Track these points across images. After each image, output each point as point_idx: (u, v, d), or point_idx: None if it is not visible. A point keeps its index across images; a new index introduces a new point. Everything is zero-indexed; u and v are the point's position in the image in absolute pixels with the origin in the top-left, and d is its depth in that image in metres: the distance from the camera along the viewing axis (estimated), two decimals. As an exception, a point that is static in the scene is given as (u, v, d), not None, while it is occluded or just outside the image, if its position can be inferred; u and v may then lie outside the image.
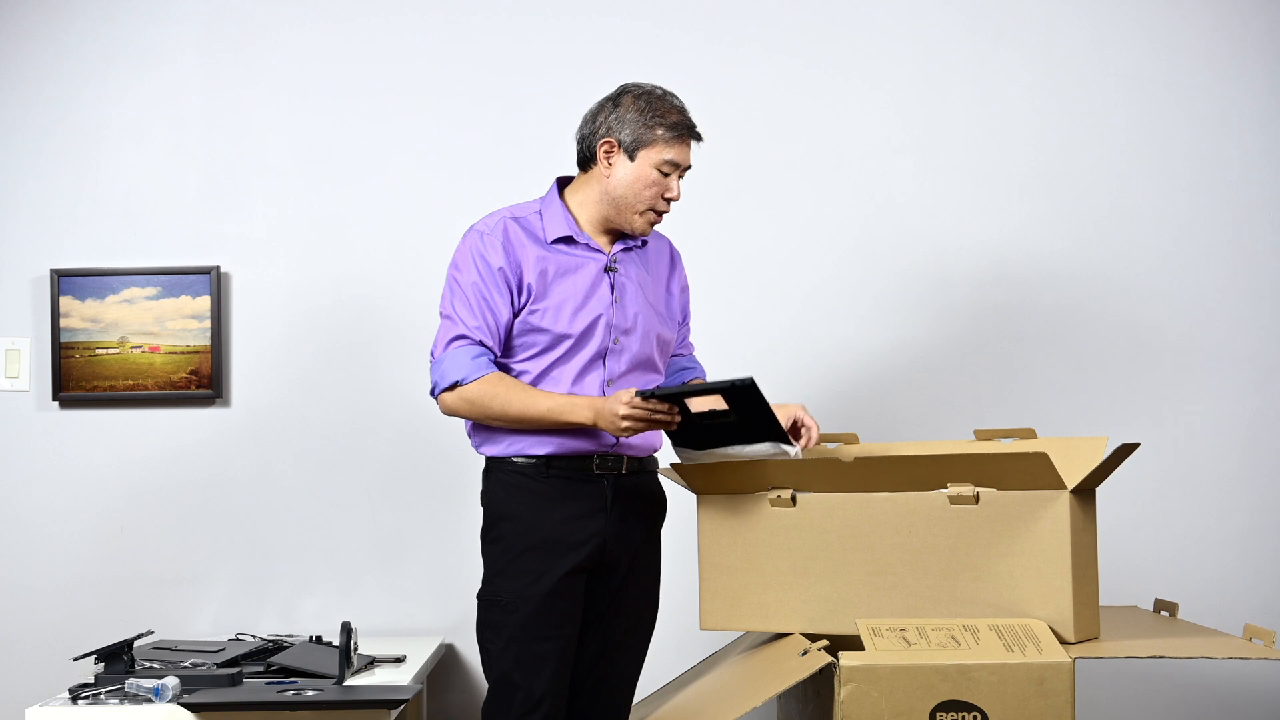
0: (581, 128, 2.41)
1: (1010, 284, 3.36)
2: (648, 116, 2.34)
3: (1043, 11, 3.40)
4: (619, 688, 2.46)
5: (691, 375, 2.63)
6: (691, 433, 2.33)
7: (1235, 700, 3.30)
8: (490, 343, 2.31)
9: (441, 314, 2.36)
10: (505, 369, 2.35)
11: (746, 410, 2.28)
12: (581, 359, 2.35)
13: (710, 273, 3.29)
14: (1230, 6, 3.39)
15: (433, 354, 2.36)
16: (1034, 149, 3.38)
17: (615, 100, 2.38)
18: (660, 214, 2.40)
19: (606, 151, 2.36)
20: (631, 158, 2.35)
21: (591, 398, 2.28)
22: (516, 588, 2.31)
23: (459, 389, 2.29)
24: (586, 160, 2.41)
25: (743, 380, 2.20)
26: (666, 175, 2.36)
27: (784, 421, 2.40)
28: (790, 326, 3.34)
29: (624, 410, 2.19)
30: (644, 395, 2.20)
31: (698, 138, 2.39)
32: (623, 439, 2.36)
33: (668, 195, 2.37)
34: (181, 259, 3.34)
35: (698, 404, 2.30)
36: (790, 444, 2.34)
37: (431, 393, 2.34)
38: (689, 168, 2.40)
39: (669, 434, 2.35)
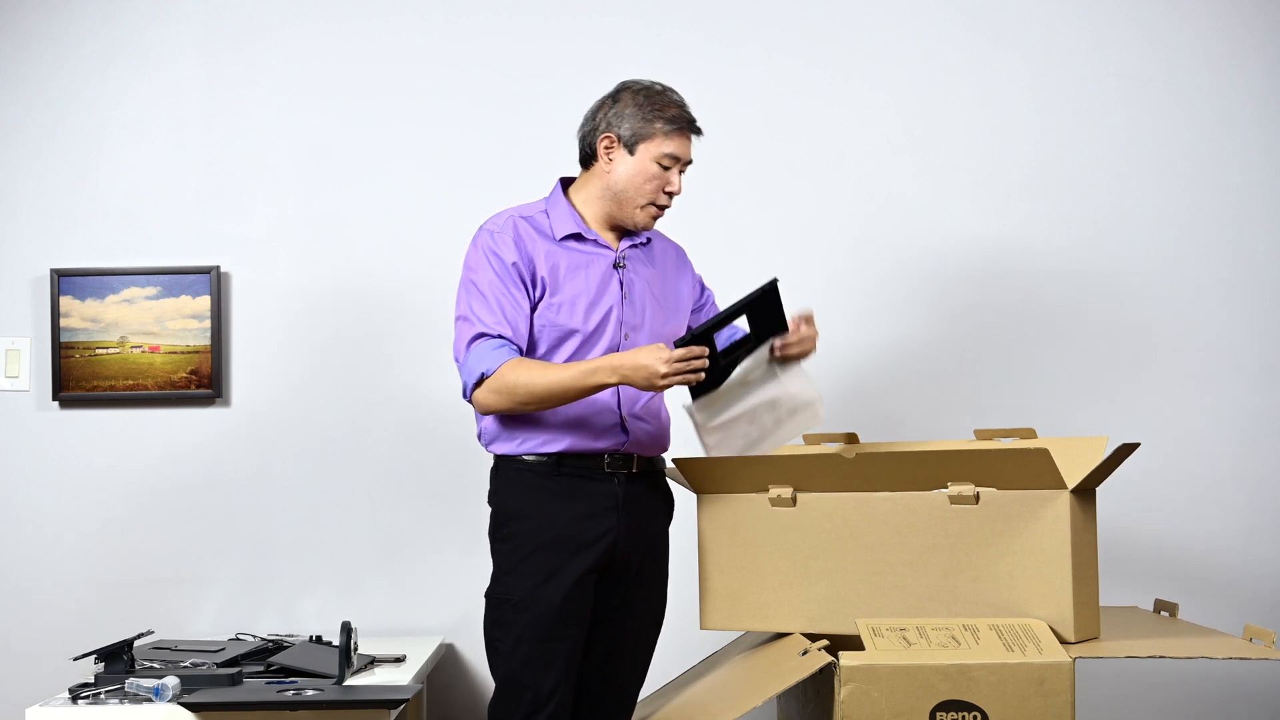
0: (582, 126, 2.43)
1: (1010, 284, 3.36)
2: (646, 111, 2.35)
3: (1043, 11, 3.40)
4: (625, 688, 2.47)
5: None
6: (714, 374, 2.29)
7: (1235, 700, 3.30)
8: (509, 335, 2.30)
9: (457, 317, 2.35)
10: None
11: (765, 321, 2.31)
12: (595, 355, 2.35)
13: (710, 273, 3.28)
14: (1230, 6, 3.40)
15: (456, 359, 2.35)
16: (1034, 149, 3.38)
17: (614, 96, 2.39)
18: (661, 208, 2.41)
19: (607, 147, 2.37)
20: (631, 152, 2.36)
21: (611, 356, 2.24)
22: (527, 587, 2.30)
23: (486, 382, 2.26)
24: (588, 158, 2.42)
25: (768, 284, 2.25)
26: (667, 169, 2.37)
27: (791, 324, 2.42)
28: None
29: (664, 369, 2.17)
30: (679, 343, 2.19)
31: (697, 131, 2.40)
32: (633, 434, 2.37)
33: (668, 189, 2.38)
34: (181, 259, 3.34)
35: (722, 338, 2.34)
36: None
37: (464, 396, 2.32)
38: (690, 162, 2.41)
39: (691, 387, 2.31)
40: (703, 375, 2.23)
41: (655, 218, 2.42)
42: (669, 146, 2.36)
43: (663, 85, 2.40)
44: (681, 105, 2.39)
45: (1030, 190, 3.37)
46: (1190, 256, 3.37)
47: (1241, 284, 3.36)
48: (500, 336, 2.29)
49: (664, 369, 2.18)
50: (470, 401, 2.32)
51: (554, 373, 2.25)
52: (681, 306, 2.54)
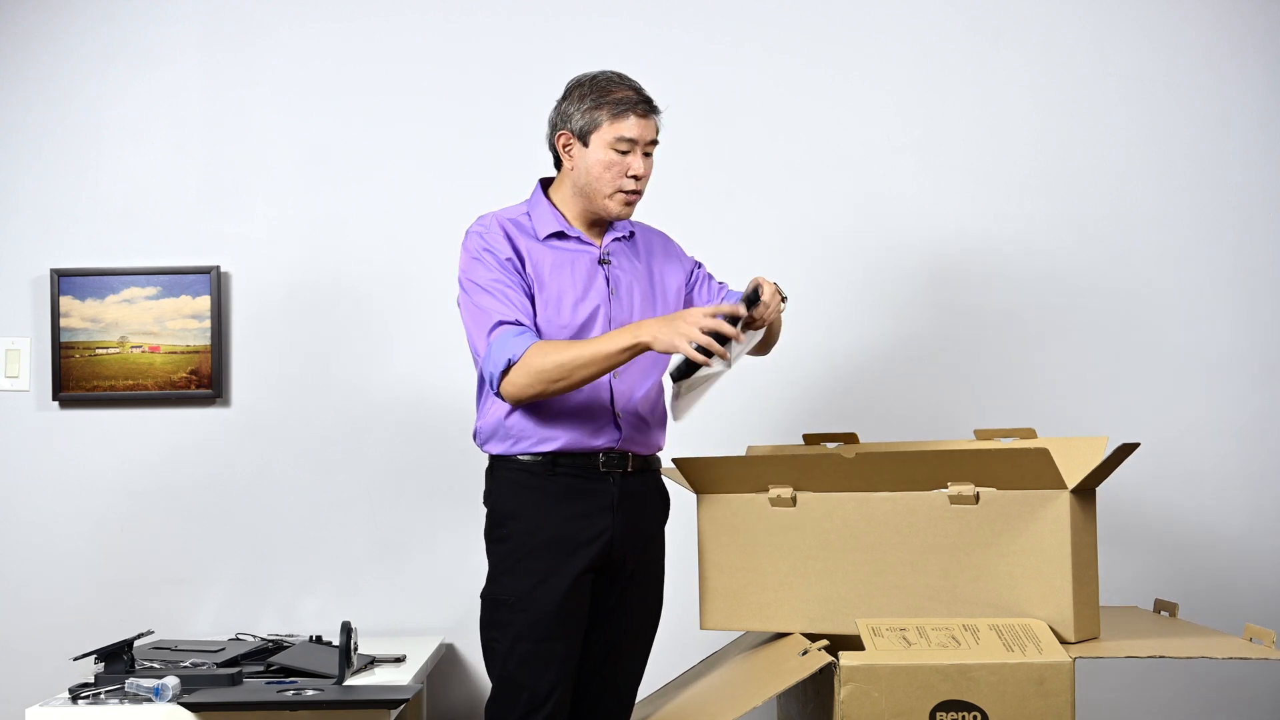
0: (546, 131, 2.43)
1: (1010, 284, 3.36)
2: (591, 100, 2.34)
3: (1043, 11, 3.40)
4: (623, 688, 2.46)
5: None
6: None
7: (1235, 700, 3.30)
8: (527, 322, 2.29)
9: (469, 318, 2.33)
10: None
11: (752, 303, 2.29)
12: None
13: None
14: (1230, 6, 3.40)
15: (476, 355, 2.32)
16: (1034, 149, 3.38)
17: (565, 95, 2.40)
18: (631, 193, 2.37)
19: (565, 145, 2.38)
20: (586, 144, 2.35)
21: (642, 320, 2.23)
22: (524, 586, 2.30)
23: (514, 368, 2.23)
24: (557, 161, 2.43)
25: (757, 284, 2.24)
26: (625, 153, 2.34)
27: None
28: (790, 326, 3.32)
29: (706, 324, 2.13)
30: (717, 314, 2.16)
31: (652, 109, 2.37)
32: (626, 430, 2.36)
33: (631, 173, 2.35)
34: (181, 259, 3.34)
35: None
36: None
37: (491, 387, 2.28)
38: (653, 142, 2.38)
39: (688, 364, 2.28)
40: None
41: (629, 204, 2.39)
42: (620, 129, 2.33)
43: (615, 74, 2.38)
44: (632, 87, 2.36)
45: (1030, 190, 3.37)
46: (1190, 256, 3.37)
47: (1241, 284, 3.36)
48: (518, 323, 2.28)
49: (707, 324, 2.13)
50: (499, 394, 2.28)
51: (581, 348, 2.22)
52: (670, 296, 2.52)
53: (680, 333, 2.15)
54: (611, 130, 2.33)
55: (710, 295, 2.62)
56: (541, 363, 2.22)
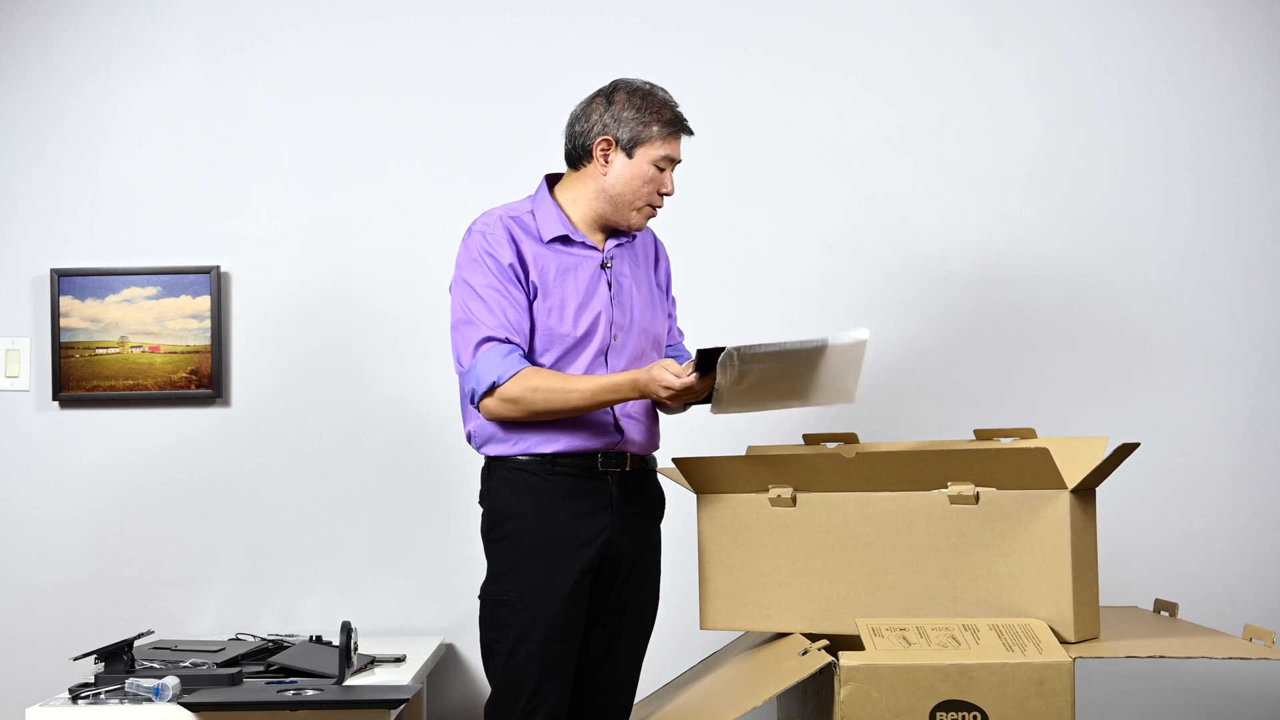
0: (573, 124, 2.40)
1: (1010, 284, 3.36)
2: (644, 114, 2.34)
3: (1043, 11, 3.40)
4: (622, 687, 2.46)
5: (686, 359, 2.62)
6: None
7: (1235, 700, 3.30)
8: (517, 339, 2.29)
9: (458, 323, 2.33)
10: None
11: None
12: (586, 357, 2.35)
13: (710, 272, 3.30)
14: (1230, 6, 3.40)
15: (460, 363, 2.32)
16: (1034, 149, 3.38)
17: (609, 97, 2.37)
18: (655, 209, 2.41)
19: (604, 149, 2.36)
20: (630, 155, 2.35)
21: (633, 374, 2.25)
22: (525, 587, 2.30)
23: (497, 391, 2.25)
24: (578, 158, 2.40)
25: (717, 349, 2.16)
26: (662, 171, 2.37)
27: None
28: (789, 326, 3.33)
29: (664, 393, 2.21)
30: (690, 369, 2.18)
31: (690, 132, 2.41)
32: (628, 433, 2.37)
33: (663, 190, 2.39)
34: (181, 259, 3.34)
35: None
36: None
37: (471, 402, 2.31)
38: (679, 161, 2.41)
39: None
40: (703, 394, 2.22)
41: (649, 218, 2.42)
42: (667, 149, 2.36)
43: (652, 84, 2.39)
44: (675, 106, 2.39)
45: (1030, 190, 3.37)
46: (1190, 256, 3.37)
47: (1242, 284, 3.36)
48: (508, 341, 2.28)
49: (664, 394, 2.21)
50: (476, 408, 2.30)
51: (573, 387, 2.25)
52: (661, 296, 2.55)
53: (656, 395, 2.23)
54: (661, 148, 2.36)
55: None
56: (529, 396, 2.24)
